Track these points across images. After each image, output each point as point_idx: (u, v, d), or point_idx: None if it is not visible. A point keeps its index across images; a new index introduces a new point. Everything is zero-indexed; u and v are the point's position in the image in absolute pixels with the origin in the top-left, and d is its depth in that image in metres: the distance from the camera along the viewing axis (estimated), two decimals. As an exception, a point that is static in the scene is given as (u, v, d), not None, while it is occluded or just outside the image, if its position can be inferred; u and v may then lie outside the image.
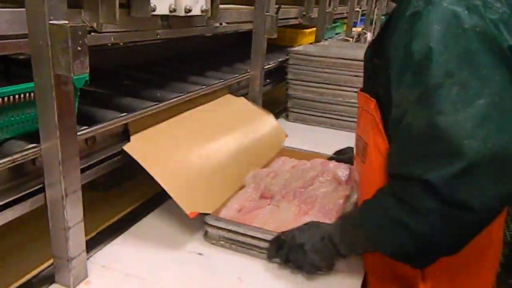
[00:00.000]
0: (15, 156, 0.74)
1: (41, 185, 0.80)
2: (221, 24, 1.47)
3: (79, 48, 0.68)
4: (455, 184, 0.66)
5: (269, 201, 1.16)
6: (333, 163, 1.35)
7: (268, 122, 1.61)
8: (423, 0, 0.74)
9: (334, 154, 1.48)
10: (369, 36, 3.90)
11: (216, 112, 1.43)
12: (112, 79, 1.46)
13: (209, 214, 1.02)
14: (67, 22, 0.68)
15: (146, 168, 0.97)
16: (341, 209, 1.10)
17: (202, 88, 1.39)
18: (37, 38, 0.68)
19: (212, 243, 1.02)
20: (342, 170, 1.30)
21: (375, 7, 4.46)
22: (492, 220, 0.71)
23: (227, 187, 1.17)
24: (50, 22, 0.66)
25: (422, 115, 0.71)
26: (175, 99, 1.22)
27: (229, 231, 0.99)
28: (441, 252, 0.76)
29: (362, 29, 4.08)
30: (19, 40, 0.73)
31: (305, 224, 0.94)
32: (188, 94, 1.29)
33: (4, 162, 0.73)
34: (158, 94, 1.30)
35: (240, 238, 0.99)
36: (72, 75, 0.68)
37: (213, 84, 1.46)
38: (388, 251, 0.79)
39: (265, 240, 0.96)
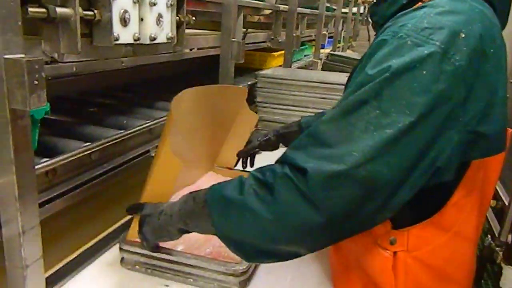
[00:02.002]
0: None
1: (-4, 222, 0.77)
2: (188, 50, 1.48)
3: (35, 82, 0.67)
4: (321, 180, 0.68)
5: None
6: None
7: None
8: (392, 32, 0.76)
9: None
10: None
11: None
12: (75, 106, 1.43)
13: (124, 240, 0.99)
14: (23, 56, 0.67)
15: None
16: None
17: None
18: (-10, 72, 0.66)
19: (128, 269, 1.00)
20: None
21: (342, 30, 4.60)
22: (335, 235, 0.73)
23: None
24: (5, 56, 0.65)
25: (336, 118, 0.73)
26: (142, 127, 1.21)
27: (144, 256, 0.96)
28: (280, 244, 0.75)
29: (330, 50, 4.20)
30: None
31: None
32: (155, 121, 1.28)
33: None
34: (124, 122, 1.28)
35: (156, 263, 0.97)
36: (28, 109, 0.67)
37: (181, 110, 1.45)
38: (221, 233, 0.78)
39: (177, 263, 0.95)
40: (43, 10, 0.83)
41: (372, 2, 0.97)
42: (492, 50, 0.73)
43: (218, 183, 0.82)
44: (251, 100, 2.11)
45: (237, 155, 1.36)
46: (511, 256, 2.01)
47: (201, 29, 1.92)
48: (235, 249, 0.79)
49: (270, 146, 1.36)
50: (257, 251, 0.77)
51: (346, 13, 5.06)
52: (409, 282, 0.84)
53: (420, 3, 0.83)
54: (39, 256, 0.79)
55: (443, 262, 0.86)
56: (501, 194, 2.34)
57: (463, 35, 0.70)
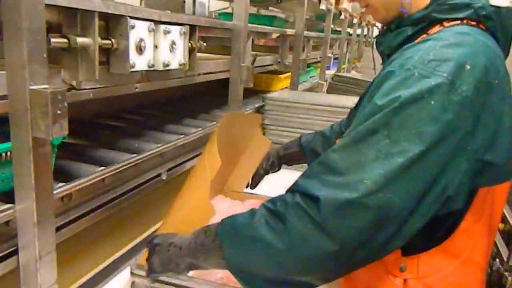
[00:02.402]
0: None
1: (13, 248, 0.78)
2: (198, 74, 1.51)
3: (58, 112, 0.69)
4: (333, 209, 0.68)
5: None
6: None
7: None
8: (399, 63, 0.79)
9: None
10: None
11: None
12: (86, 129, 1.46)
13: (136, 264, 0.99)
14: (47, 86, 0.69)
15: None
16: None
17: (180, 138, 1.40)
18: (16, 102, 0.69)
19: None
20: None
21: (346, 51, 4.66)
22: (349, 265, 0.73)
23: None
24: (31, 87, 0.67)
25: (347, 146, 0.74)
26: (153, 151, 1.23)
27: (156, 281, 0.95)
28: (293, 275, 0.74)
29: (336, 71, 4.24)
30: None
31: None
32: (166, 145, 1.30)
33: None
34: (136, 145, 1.30)
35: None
36: (51, 138, 0.69)
37: (192, 134, 1.48)
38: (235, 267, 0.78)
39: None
40: (65, 40, 0.87)
41: (379, 33, 1.00)
42: (496, 81, 0.75)
43: (230, 216, 0.83)
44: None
45: (250, 187, 1.37)
46: (520, 282, 1.99)
47: (211, 53, 1.96)
48: (245, 283, 0.78)
49: (274, 168, 1.38)
50: (268, 282, 0.76)
51: (350, 34, 5.13)
52: None
53: (425, 35, 0.85)
54: (54, 281, 0.80)
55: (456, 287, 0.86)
56: (508, 217, 2.33)
57: (469, 67, 0.72)
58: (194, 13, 2.98)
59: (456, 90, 0.71)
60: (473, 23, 0.82)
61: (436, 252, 0.84)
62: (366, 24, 5.85)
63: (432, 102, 0.71)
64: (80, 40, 0.89)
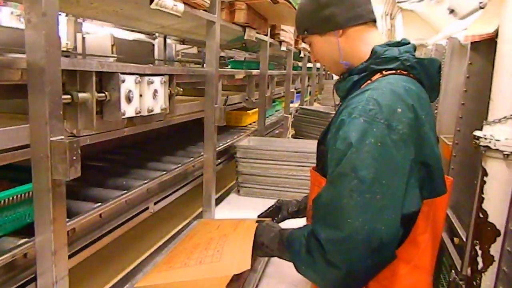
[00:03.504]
0: (13, 252, 0.86)
1: (31, 276, 0.91)
2: (177, 115, 1.68)
3: (74, 158, 0.85)
4: (333, 246, 0.92)
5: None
6: None
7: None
8: (348, 113, 1.00)
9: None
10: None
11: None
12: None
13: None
14: (63, 137, 0.85)
15: None
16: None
17: (163, 174, 1.56)
18: (38, 151, 0.83)
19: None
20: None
21: (308, 85, 4.97)
22: (360, 281, 0.97)
23: None
24: (51, 139, 0.83)
25: (329, 191, 0.96)
26: (141, 187, 1.37)
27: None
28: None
29: (299, 104, 4.52)
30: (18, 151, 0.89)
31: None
32: (154, 181, 1.45)
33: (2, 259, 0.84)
34: (124, 182, 1.45)
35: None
36: (68, 179, 0.84)
37: (172, 170, 1.63)
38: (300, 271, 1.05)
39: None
40: (68, 96, 1.03)
41: (336, 81, 1.24)
42: (423, 116, 0.98)
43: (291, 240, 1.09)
44: (231, 156, 2.31)
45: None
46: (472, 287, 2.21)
47: (184, 95, 2.14)
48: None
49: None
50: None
51: (310, 68, 5.48)
52: None
53: (369, 81, 1.08)
54: (67, 303, 0.92)
55: None
56: (460, 233, 2.58)
57: (400, 110, 0.95)
58: (165, 56, 3.19)
59: (394, 130, 0.94)
60: (404, 72, 1.06)
61: None
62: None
63: (379, 144, 0.92)
64: (80, 95, 1.05)
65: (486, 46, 2.13)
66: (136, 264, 1.39)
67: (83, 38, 2.75)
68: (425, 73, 1.10)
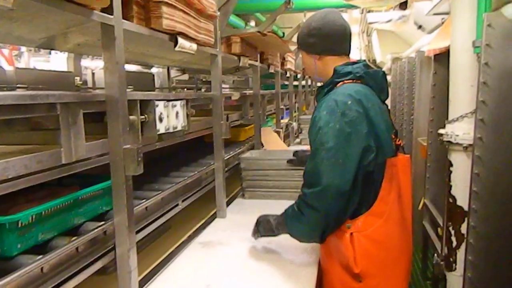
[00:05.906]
0: (97, 230, 1.22)
1: (111, 247, 1.26)
2: (191, 132, 2.06)
3: (139, 159, 1.22)
4: (314, 197, 1.37)
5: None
6: None
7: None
8: (318, 110, 1.48)
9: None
10: (295, 125, 4.73)
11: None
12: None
13: None
14: (129, 146, 1.22)
15: None
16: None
17: (185, 179, 1.93)
18: (115, 155, 1.20)
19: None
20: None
21: (295, 102, 5.40)
22: (332, 221, 1.42)
23: None
24: (124, 147, 1.20)
25: (310, 163, 1.43)
26: (173, 186, 1.75)
27: None
28: (311, 236, 1.50)
29: (289, 120, 4.93)
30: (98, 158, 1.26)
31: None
32: (179, 184, 1.82)
33: (90, 234, 1.20)
34: (156, 186, 1.82)
35: None
36: (136, 174, 1.21)
37: (192, 175, 2.01)
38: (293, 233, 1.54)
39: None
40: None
41: (317, 88, 1.67)
42: (369, 105, 1.43)
43: (288, 208, 1.56)
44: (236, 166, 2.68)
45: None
46: (449, 264, 2.57)
47: (197, 116, 2.53)
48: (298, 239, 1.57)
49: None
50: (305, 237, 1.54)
51: (297, 86, 5.92)
52: (362, 251, 1.40)
53: (334, 88, 1.52)
54: (136, 266, 1.27)
55: (383, 237, 1.44)
56: (439, 221, 2.95)
57: (350, 102, 1.41)
58: (169, 84, 3.58)
59: (346, 115, 1.40)
60: (359, 81, 1.49)
61: (367, 215, 1.45)
62: (309, 77, 6.72)
63: (337, 126, 1.38)
64: (131, 117, 1.43)
65: (447, 58, 2.53)
66: (176, 246, 1.76)
67: (93, 74, 3.12)
68: (374, 80, 1.55)
